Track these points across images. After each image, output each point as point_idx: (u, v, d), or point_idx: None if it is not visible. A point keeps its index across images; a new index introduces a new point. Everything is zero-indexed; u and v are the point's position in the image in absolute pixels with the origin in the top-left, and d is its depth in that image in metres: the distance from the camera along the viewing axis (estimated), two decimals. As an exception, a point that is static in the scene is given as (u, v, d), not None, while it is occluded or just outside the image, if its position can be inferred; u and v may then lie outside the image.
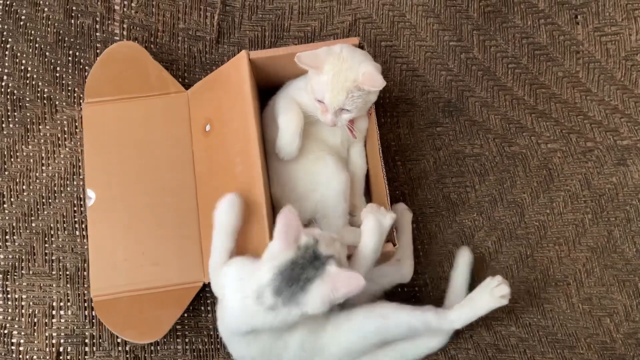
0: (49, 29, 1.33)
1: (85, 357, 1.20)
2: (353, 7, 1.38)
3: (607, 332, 1.25)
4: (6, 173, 1.28)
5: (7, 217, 1.26)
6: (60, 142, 1.29)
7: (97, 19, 1.34)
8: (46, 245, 1.25)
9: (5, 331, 1.21)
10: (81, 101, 1.30)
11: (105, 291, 1.17)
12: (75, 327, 1.21)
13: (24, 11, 1.34)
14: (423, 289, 1.26)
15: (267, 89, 1.22)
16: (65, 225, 1.26)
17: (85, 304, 1.21)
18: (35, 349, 1.20)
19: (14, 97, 1.31)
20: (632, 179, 1.32)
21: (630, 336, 1.25)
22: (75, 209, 1.26)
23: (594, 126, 1.34)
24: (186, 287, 1.18)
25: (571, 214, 1.30)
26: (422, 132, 1.34)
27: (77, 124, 1.29)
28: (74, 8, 1.35)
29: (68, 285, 1.23)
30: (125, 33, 1.34)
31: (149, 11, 1.36)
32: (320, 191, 1.13)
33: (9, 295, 1.22)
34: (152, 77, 1.26)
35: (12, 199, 1.27)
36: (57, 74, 1.32)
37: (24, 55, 1.32)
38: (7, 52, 1.32)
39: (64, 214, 1.26)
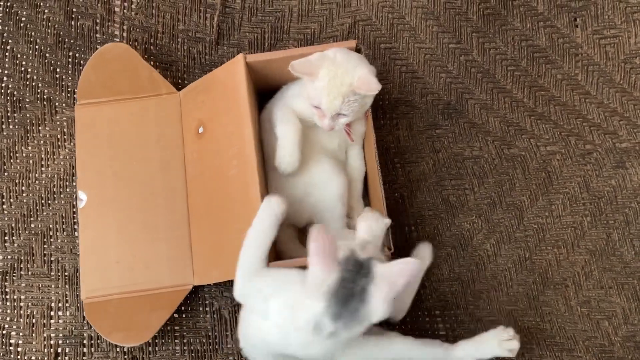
0: (49, 31, 1.34)
1: (84, 358, 1.20)
2: (352, 9, 1.38)
3: (605, 335, 1.25)
4: (5, 174, 1.28)
5: (6, 218, 1.26)
6: (59, 143, 1.30)
7: (97, 20, 1.35)
8: (45, 246, 1.25)
9: (4, 332, 1.21)
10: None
11: (96, 293, 1.17)
12: (73, 328, 1.22)
13: (24, 13, 1.34)
14: (421, 291, 1.25)
15: (264, 92, 1.23)
16: (64, 226, 1.26)
17: (84, 306, 1.21)
18: (34, 349, 1.21)
19: (14, 98, 1.31)
20: (630, 181, 1.32)
21: (629, 339, 1.24)
22: (74, 210, 1.27)
23: (593, 129, 1.34)
24: (176, 290, 1.18)
25: (570, 217, 1.30)
26: (421, 135, 1.34)
27: (76, 126, 1.30)
28: (74, 10, 1.35)
29: (67, 286, 1.23)
30: (125, 35, 1.35)
31: (148, 13, 1.36)
32: (318, 195, 1.13)
33: (7, 296, 1.23)
34: (143, 78, 1.26)
35: (11, 200, 1.27)
36: (57, 76, 1.32)
37: (24, 57, 1.33)
38: (7, 54, 1.32)
39: (63, 215, 1.26)
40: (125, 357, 1.20)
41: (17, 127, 1.30)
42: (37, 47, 1.33)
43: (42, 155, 1.29)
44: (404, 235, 1.28)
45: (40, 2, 1.34)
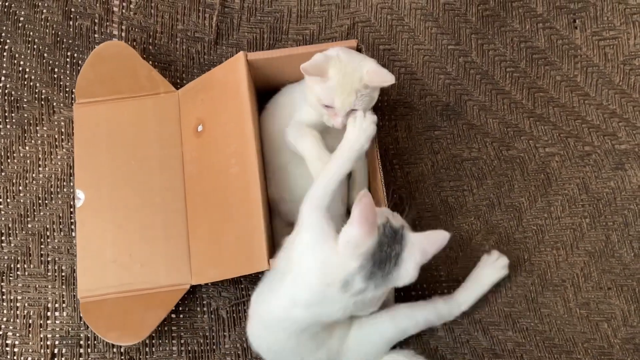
0: (47, 30, 1.34)
1: (80, 358, 1.20)
2: (352, 10, 1.38)
3: (604, 337, 1.24)
4: (2, 174, 1.28)
5: (3, 218, 1.26)
6: (57, 143, 1.29)
7: (96, 20, 1.35)
8: (42, 246, 1.25)
9: (0, 332, 1.21)
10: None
11: (93, 292, 1.17)
12: (70, 329, 1.21)
13: (22, 12, 1.34)
14: (420, 293, 1.25)
15: (263, 91, 1.22)
16: (61, 226, 1.26)
17: (80, 305, 1.20)
18: (30, 350, 1.20)
19: (12, 98, 1.31)
20: (630, 183, 1.31)
21: (628, 341, 1.24)
22: (71, 210, 1.26)
23: (592, 130, 1.34)
24: (173, 289, 1.17)
25: (569, 218, 1.30)
26: (420, 136, 1.34)
27: (74, 125, 1.29)
28: (72, 9, 1.35)
29: (63, 287, 1.23)
30: (123, 34, 1.34)
31: (147, 12, 1.36)
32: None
33: (4, 297, 1.22)
34: (142, 77, 1.26)
35: (8, 200, 1.27)
36: (55, 76, 1.32)
37: (22, 57, 1.32)
38: (5, 53, 1.32)
39: (60, 215, 1.26)
40: (122, 357, 1.20)
41: (14, 127, 1.30)
42: (35, 46, 1.33)
43: (40, 155, 1.29)
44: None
45: (38, 1, 1.34)
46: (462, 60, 1.37)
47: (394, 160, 1.32)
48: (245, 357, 1.21)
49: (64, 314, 1.22)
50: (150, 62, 1.32)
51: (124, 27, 1.35)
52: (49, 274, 1.24)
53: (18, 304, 1.22)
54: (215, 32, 1.36)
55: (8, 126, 1.30)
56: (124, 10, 1.35)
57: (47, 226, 1.26)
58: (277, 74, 1.17)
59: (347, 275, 0.91)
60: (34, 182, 1.28)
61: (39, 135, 1.30)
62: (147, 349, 1.20)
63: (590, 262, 1.28)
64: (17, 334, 1.21)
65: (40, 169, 1.28)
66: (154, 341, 1.21)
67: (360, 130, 1.03)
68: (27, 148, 1.29)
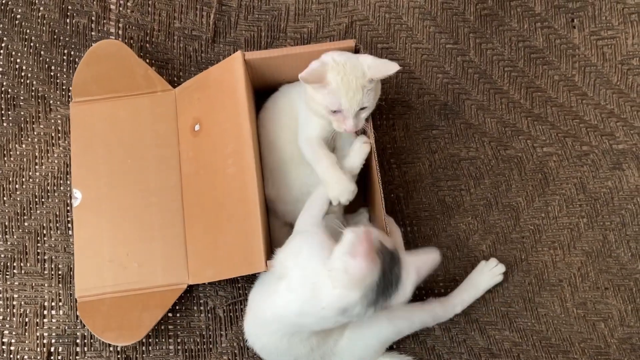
0: (44, 28, 1.33)
1: (77, 357, 1.20)
2: (349, 9, 1.38)
3: (601, 337, 1.24)
4: (-1, 172, 1.27)
5: (-1, 216, 1.25)
6: (54, 141, 1.29)
7: (93, 18, 1.34)
8: (38, 244, 1.24)
9: (-4, 331, 1.20)
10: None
11: (90, 292, 1.16)
12: (66, 327, 1.21)
13: (19, 10, 1.34)
14: (417, 292, 1.25)
15: (262, 90, 1.22)
16: (57, 224, 1.25)
17: (77, 304, 1.20)
18: (27, 348, 1.20)
19: (8, 95, 1.30)
20: (627, 183, 1.31)
21: (625, 341, 1.24)
22: (68, 208, 1.26)
23: (589, 130, 1.34)
24: (170, 289, 1.17)
25: (566, 218, 1.30)
26: (417, 135, 1.33)
27: (70, 123, 1.29)
28: (69, 7, 1.34)
29: (60, 285, 1.22)
30: (120, 32, 1.34)
31: (144, 10, 1.35)
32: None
33: (0, 295, 1.22)
34: (138, 75, 1.25)
35: (4, 198, 1.26)
36: (52, 73, 1.32)
37: (19, 54, 1.32)
38: (1, 51, 1.32)
39: (57, 213, 1.26)
40: (119, 356, 1.20)
41: (11, 125, 1.29)
42: (32, 44, 1.32)
43: (36, 154, 1.28)
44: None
45: (35, -1, 1.34)
46: (460, 59, 1.37)
47: (392, 159, 1.32)
48: (242, 356, 1.21)
49: (61, 312, 1.21)
50: (148, 60, 1.32)
51: (121, 25, 1.34)
52: (46, 272, 1.23)
53: (14, 303, 1.22)
54: (212, 30, 1.35)
55: (4, 124, 1.29)
56: (121, 8, 1.35)
57: (44, 224, 1.25)
58: (274, 73, 1.17)
59: (347, 305, 0.89)
60: (31, 180, 1.27)
61: (35, 133, 1.29)
62: (144, 348, 1.20)
63: (588, 262, 1.28)
64: (14, 333, 1.20)
65: (36, 167, 1.28)
66: (150, 340, 1.21)
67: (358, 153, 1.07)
68: (23, 146, 1.29)
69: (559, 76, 1.37)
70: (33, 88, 1.31)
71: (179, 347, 1.21)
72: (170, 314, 1.22)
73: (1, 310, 1.21)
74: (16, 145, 1.29)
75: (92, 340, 1.20)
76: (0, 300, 1.22)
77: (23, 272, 1.23)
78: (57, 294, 1.22)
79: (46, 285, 1.23)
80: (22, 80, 1.31)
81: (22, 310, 1.22)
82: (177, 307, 1.23)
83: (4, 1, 1.34)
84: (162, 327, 1.21)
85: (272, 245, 1.13)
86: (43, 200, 1.26)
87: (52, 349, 1.20)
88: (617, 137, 1.33)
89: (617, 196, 1.31)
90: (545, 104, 1.35)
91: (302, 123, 1.13)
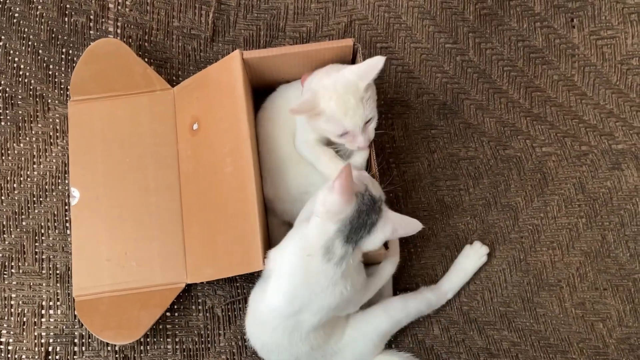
0: (42, 27, 1.33)
1: (75, 357, 1.19)
2: (349, 8, 1.37)
3: (599, 337, 1.24)
4: (-3, 171, 1.27)
5: (-3, 215, 1.25)
6: (52, 140, 1.29)
7: (91, 16, 1.34)
8: (36, 244, 1.24)
9: (-6, 330, 1.20)
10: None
11: (88, 291, 1.16)
12: (64, 327, 1.21)
13: (17, 8, 1.33)
14: (413, 286, 1.25)
15: (261, 89, 1.22)
16: (55, 224, 1.25)
17: (75, 303, 1.20)
18: (24, 348, 1.20)
19: (6, 94, 1.30)
20: (626, 183, 1.31)
21: (623, 341, 1.24)
22: (66, 207, 1.26)
23: (588, 130, 1.34)
24: (168, 288, 1.17)
25: (565, 218, 1.30)
26: (416, 135, 1.33)
27: (69, 122, 1.29)
28: (67, 6, 1.34)
29: (58, 285, 1.22)
30: (119, 31, 1.34)
31: (143, 9, 1.35)
32: (314, 193, 1.12)
33: (-2, 294, 1.22)
34: (137, 74, 1.25)
35: (2, 197, 1.26)
36: (50, 72, 1.31)
37: (17, 53, 1.32)
38: (-1, 49, 1.32)
39: (55, 212, 1.25)
40: (117, 356, 1.19)
41: (9, 123, 1.29)
42: (30, 43, 1.32)
43: (34, 153, 1.28)
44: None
45: (33, -3, 1.34)
46: (459, 58, 1.36)
47: (391, 159, 1.32)
48: (241, 355, 1.21)
49: (59, 312, 1.21)
50: (146, 59, 1.31)
51: (119, 24, 1.34)
52: (44, 272, 1.23)
53: (12, 302, 1.22)
54: (211, 29, 1.35)
55: (2, 123, 1.29)
56: (119, 7, 1.35)
57: (42, 224, 1.25)
58: (273, 72, 1.17)
59: (327, 240, 0.94)
60: (29, 179, 1.27)
61: (33, 132, 1.29)
62: (142, 347, 1.20)
63: (586, 262, 1.28)
64: (12, 332, 1.20)
65: (34, 166, 1.28)
66: (148, 339, 1.20)
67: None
68: (21, 145, 1.29)
69: (558, 76, 1.36)
70: (31, 87, 1.31)
71: (177, 347, 1.21)
72: (168, 313, 1.22)
73: (-1, 309, 1.22)
74: (14, 145, 1.28)
75: (90, 340, 1.20)
76: (-2, 299, 1.22)
77: (21, 271, 1.23)
78: (55, 293, 1.22)
79: (44, 284, 1.22)
80: (20, 79, 1.31)
81: (19, 309, 1.21)
82: (176, 306, 1.22)
83: (2, 0, 1.33)
84: (161, 327, 1.21)
85: (270, 244, 1.13)
86: (41, 199, 1.26)
87: (50, 349, 1.20)
88: (617, 137, 1.33)
89: (616, 196, 1.31)
90: (545, 104, 1.35)
91: (300, 127, 1.13)
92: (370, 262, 1.13)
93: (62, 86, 1.31)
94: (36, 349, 1.20)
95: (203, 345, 1.21)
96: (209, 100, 1.17)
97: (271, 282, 1.00)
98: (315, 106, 1.02)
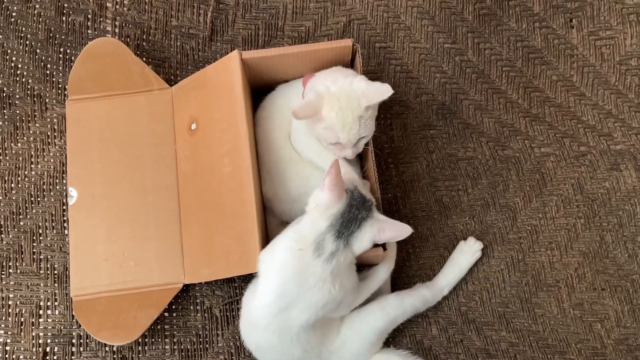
0: (39, 26, 1.32)
1: (72, 357, 1.19)
2: (347, 7, 1.37)
3: (598, 338, 1.24)
4: (-6, 171, 1.27)
5: (-5, 215, 1.25)
6: (49, 140, 1.28)
7: (89, 16, 1.33)
8: (34, 244, 1.24)
9: (-8, 330, 1.20)
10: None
11: (86, 291, 1.16)
12: (62, 327, 1.20)
13: (15, 8, 1.33)
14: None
15: (259, 89, 1.22)
16: (53, 224, 1.25)
17: (73, 303, 1.20)
18: (22, 348, 1.19)
19: (4, 94, 1.30)
20: (625, 183, 1.31)
21: (621, 342, 1.24)
22: (64, 207, 1.25)
23: (587, 130, 1.34)
24: (166, 289, 1.16)
25: (563, 219, 1.30)
26: (415, 135, 1.33)
27: (66, 122, 1.28)
28: (65, 5, 1.33)
29: (55, 285, 1.22)
30: (117, 30, 1.33)
31: (141, 8, 1.35)
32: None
33: (-5, 294, 1.22)
34: (135, 73, 1.24)
35: (0, 197, 1.26)
36: (48, 72, 1.31)
37: (14, 52, 1.31)
38: (-3, 49, 1.31)
39: (53, 212, 1.25)
40: (115, 356, 1.19)
41: (6, 123, 1.29)
42: (27, 42, 1.32)
43: (32, 152, 1.28)
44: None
45: (31, -4, 1.33)
46: (458, 59, 1.36)
47: (389, 159, 1.31)
48: (239, 356, 1.21)
49: (56, 312, 1.21)
50: (144, 59, 1.31)
51: (117, 23, 1.33)
52: (41, 272, 1.23)
53: (10, 302, 1.21)
54: (209, 28, 1.35)
55: (0, 122, 1.29)
56: (117, 6, 1.34)
57: (40, 224, 1.25)
58: (271, 72, 1.17)
59: (318, 236, 0.95)
60: (26, 179, 1.27)
61: (31, 132, 1.29)
62: (140, 348, 1.20)
63: (585, 262, 1.28)
64: (9, 333, 1.20)
65: (32, 166, 1.27)
66: (146, 340, 1.20)
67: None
68: (19, 145, 1.28)
69: (557, 76, 1.36)
70: (29, 86, 1.30)
71: (175, 347, 1.21)
72: (166, 314, 1.22)
73: (-4, 309, 1.21)
74: (11, 144, 1.28)
75: (87, 340, 1.20)
76: (-5, 299, 1.22)
77: (19, 271, 1.23)
78: (52, 293, 1.22)
79: (42, 284, 1.22)
80: (17, 79, 1.30)
81: (17, 310, 1.21)
82: (173, 307, 1.22)
83: (-1, -2, 1.33)
84: (158, 327, 1.21)
85: (267, 236, 1.13)
86: (39, 199, 1.26)
87: (48, 349, 1.20)
88: (615, 137, 1.33)
89: (614, 197, 1.31)
90: (543, 104, 1.35)
91: (295, 127, 1.13)
92: (367, 264, 1.13)
93: (59, 85, 1.30)
94: (34, 350, 1.19)
95: (201, 346, 1.21)
96: (207, 100, 1.17)
97: (261, 279, 1.00)
98: (318, 112, 1.03)
